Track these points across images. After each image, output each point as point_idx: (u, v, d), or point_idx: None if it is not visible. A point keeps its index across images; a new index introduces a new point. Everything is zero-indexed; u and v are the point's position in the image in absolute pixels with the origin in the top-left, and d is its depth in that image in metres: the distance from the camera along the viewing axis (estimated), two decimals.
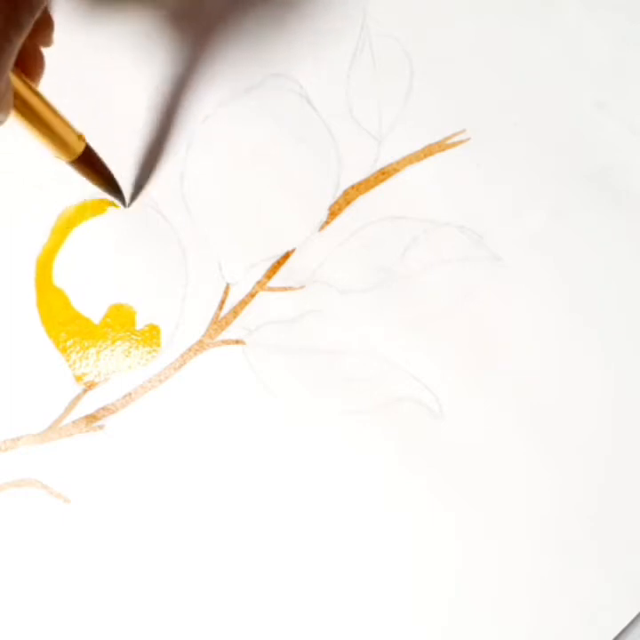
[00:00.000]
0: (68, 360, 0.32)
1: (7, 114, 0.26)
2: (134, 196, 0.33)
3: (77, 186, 0.33)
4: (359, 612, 0.30)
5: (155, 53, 0.33)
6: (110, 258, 0.33)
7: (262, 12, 0.33)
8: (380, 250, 0.32)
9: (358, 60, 0.33)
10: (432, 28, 0.33)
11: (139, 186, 0.33)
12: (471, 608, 0.30)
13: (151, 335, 0.32)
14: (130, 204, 0.33)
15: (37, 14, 0.25)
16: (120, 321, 0.32)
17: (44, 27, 0.28)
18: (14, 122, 0.27)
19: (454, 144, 0.33)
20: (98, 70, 0.33)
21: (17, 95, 0.27)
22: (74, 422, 0.32)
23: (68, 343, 0.32)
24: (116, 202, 0.33)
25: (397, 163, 0.33)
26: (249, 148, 0.33)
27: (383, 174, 0.33)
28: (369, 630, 0.30)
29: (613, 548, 0.30)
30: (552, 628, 0.30)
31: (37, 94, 0.28)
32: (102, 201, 0.33)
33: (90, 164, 0.31)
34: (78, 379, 0.32)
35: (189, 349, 0.32)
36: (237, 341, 0.32)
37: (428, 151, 0.33)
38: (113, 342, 0.32)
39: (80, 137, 0.30)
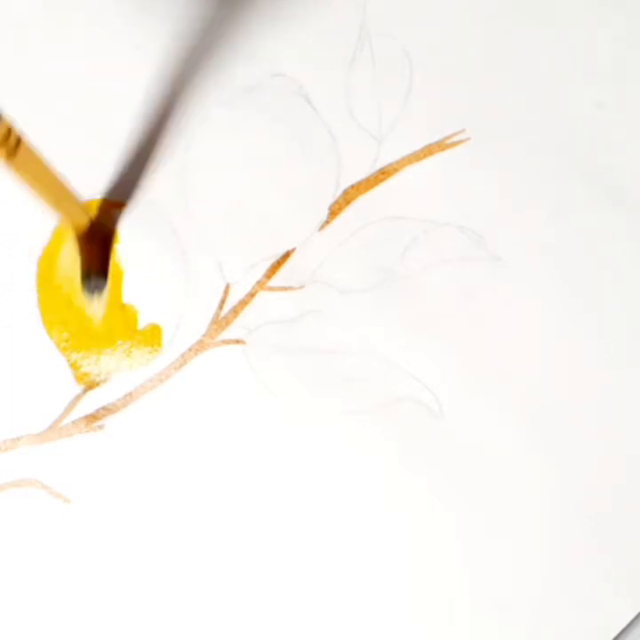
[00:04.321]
0: (68, 360, 0.32)
1: None
2: (135, 196, 0.33)
3: (78, 187, 0.33)
4: (359, 612, 0.30)
5: (154, 54, 0.33)
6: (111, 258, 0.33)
7: (261, 12, 0.33)
8: (380, 250, 0.32)
9: (358, 59, 0.33)
10: (432, 27, 0.33)
11: (139, 186, 0.33)
12: (471, 608, 0.30)
13: (152, 335, 0.32)
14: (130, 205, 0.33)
15: None
16: (121, 320, 0.32)
17: None
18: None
19: (454, 144, 0.33)
20: (97, 71, 0.33)
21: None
22: (74, 422, 0.32)
23: (69, 343, 0.32)
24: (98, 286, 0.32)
25: (397, 162, 0.33)
26: (249, 147, 0.33)
27: (383, 174, 0.33)
28: (369, 630, 0.30)
29: (613, 548, 0.30)
30: (552, 627, 0.30)
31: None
32: (103, 201, 0.33)
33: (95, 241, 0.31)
34: (78, 379, 0.32)
35: (190, 349, 0.32)
36: (237, 341, 0.32)
37: (427, 151, 0.33)
38: (113, 342, 0.32)
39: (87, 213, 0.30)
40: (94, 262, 0.32)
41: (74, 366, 0.32)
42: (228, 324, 0.32)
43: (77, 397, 0.32)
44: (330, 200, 0.32)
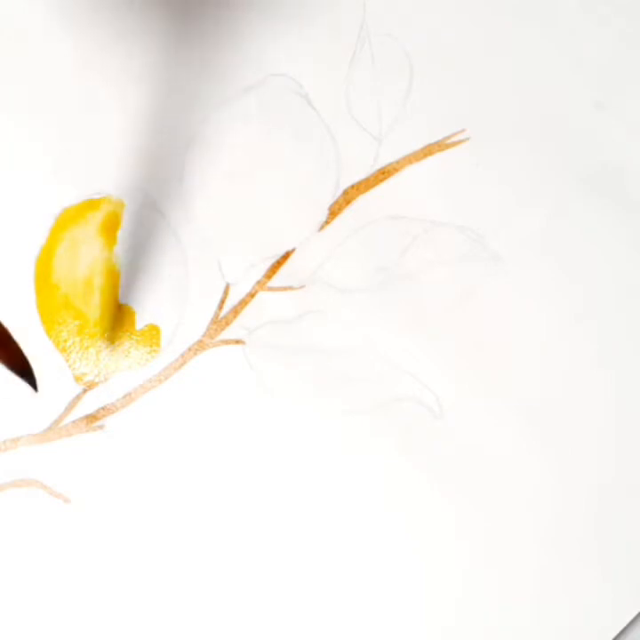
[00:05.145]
0: (67, 360, 0.32)
1: None
2: (134, 195, 0.33)
3: (77, 186, 0.33)
4: (358, 611, 0.30)
5: (154, 53, 0.33)
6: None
7: (261, 12, 0.33)
8: (380, 250, 0.32)
9: (358, 59, 0.33)
10: (432, 27, 0.33)
11: (138, 186, 0.33)
12: (470, 607, 0.30)
13: (151, 335, 0.32)
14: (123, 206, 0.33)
15: None
16: (120, 321, 0.32)
17: None
18: None
19: (454, 143, 0.33)
20: (96, 71, 0.33)
21: None
22: (74, 422, 0.32)
23: (68, 343, 0.32)
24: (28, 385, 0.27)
25: (397, 162, 0.33)
26: (248, 147, 0.33)
27: (383, 174, 0.33)
28: (368, 630, 0.30)
29: (613, 548, 0.30)
30: (552, 628, 0.30)
31: None
32: (101, 201, 0.33)
33: None
34: (78, 379, 0.32)
35: (189, 349, 0.32)
36: (237, 341, 0.32)
37: (427, 151, 0.33)
38: (113, 342, 0.32)
39: None
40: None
41: (73, 366, 0.32)
42: (227, 324, 0.32)
43: (77, 397, 0.32)
44: (330, 200, 0.32)
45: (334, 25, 0.33)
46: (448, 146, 0.33)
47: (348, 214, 0.32)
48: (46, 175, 0.33)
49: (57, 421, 0.32)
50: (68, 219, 0.33)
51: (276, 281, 0.32)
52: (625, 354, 0.31)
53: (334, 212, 0.32)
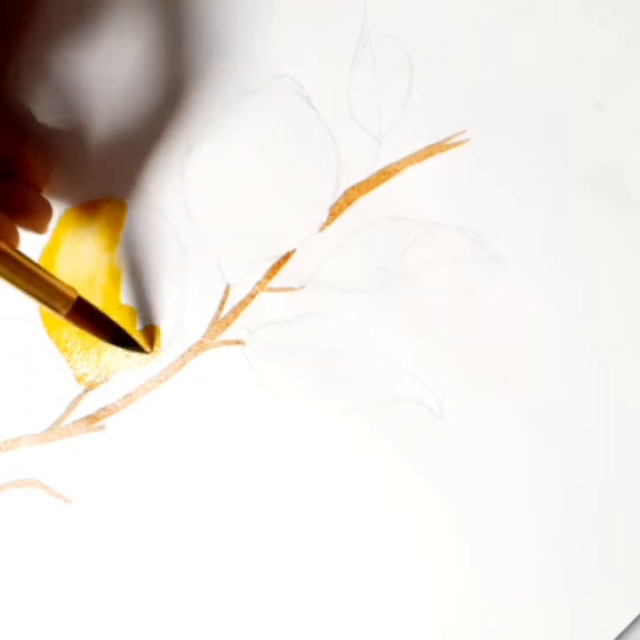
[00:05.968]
0: (68, 360, 0.32)
1: None
2: (136, 196, 0.33)
3: (80, 186, 0.33)
4: (360, 611, 0.30)
5: (155, 55, 0.33)
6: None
7: (262, 13, 0.33)
8: (380, 250, 0.32)
9: (358, 60, 0.33)
10: (432, 28, 0.33)
11: (139, 186, 0.33)
12: (470, 607, 0.30)
13: (151, 336, 0.32)
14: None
15: None
16: (120, 321, 0.32)
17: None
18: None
19: (455, 144, 0.33)
20: (96, 72, 0.33)
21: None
22: (74, 422, 0.32)
23: (69, 343, 0.32)
24: (137, 351, 0.32)
25: (398, 163, 0.33)
26: (249, 148, 0.33)
27: (383, 174, 0.33)
28: (367, 629, 0.30)
29: (613, 548, 0.30)
30: (552, 627, 0.30)
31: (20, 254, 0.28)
32: (102, 201, 0.33)
33: (86, 315, 0.30)
34: (79, 379, 0.32)
35: (189, 350, 0.32)
36: (237, 342, 0.32)
37: (428, 151, 0.33)
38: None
39: (71, 289, 0.29)
40: (100, 335, 0.31)
41: (74, 367, 0.32)
42: (227, 324, 0.32)
43: (78, 398, 0.32)
44: (330, 201, 0.32)
45: (335, 26, 0.33)
46: (448, 146, 0.33)
47: (348, 215, 0.32)
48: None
49: (57, 422, 0.32)
50: (69, 219, 0.33)
51: (276, 281, 0.32)
52: (625, 354, 0.31)
53: (335, 212, 0.32)
